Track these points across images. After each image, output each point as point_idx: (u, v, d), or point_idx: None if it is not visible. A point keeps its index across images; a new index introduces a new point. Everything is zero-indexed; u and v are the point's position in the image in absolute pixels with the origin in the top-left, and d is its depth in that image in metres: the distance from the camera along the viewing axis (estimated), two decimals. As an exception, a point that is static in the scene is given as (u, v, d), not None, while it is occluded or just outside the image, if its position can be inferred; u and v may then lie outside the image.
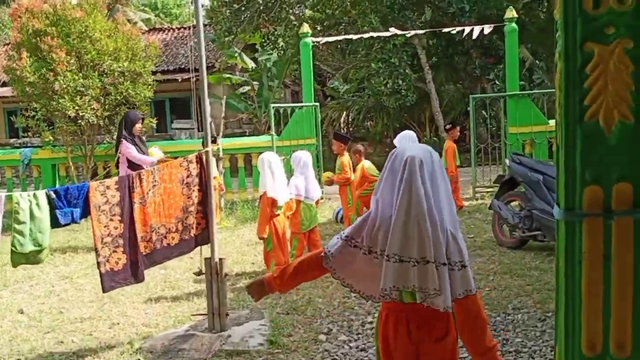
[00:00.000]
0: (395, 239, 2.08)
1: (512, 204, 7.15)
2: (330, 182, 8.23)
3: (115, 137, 11.11)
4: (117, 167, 7.92)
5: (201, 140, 8.44)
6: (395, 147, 6.86)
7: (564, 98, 1.38)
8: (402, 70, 14.84)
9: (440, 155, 8.95)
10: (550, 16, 16.26)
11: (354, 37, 12.70)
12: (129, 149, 7.57)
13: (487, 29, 11.18)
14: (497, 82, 13.45)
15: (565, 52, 1.38)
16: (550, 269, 5.67)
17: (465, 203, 9.79)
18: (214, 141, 7.91)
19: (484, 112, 11.70)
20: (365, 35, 12.73)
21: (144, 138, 8.21)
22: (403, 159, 2.13)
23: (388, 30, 12.44)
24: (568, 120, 1.39)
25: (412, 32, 12.42)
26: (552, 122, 10.47)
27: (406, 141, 7.10)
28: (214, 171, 7.83)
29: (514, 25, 10.66)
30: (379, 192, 2.19)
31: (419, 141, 17.04)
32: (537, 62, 14.53)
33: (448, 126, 10.00)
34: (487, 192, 10.30)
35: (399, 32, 12.21)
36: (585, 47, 1.34)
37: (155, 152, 8.02)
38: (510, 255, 6.40)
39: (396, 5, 14.27)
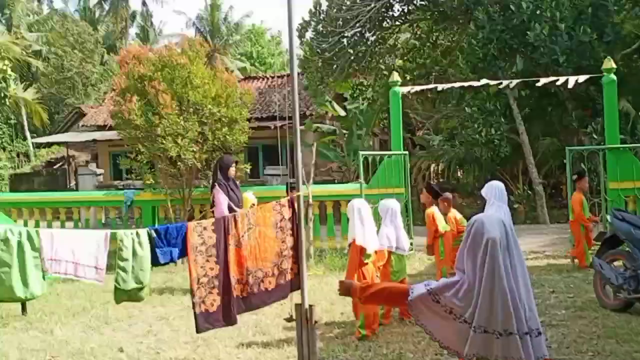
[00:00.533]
0: (481, 313, 2.36)
1: (615, 263, 6.71)
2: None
3: (210, 181, 11.60)
4: (211, 209, 8.15)
5: (285, 186, 8.60)
6: (483, 197, 6.66)
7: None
8: (496, 118, 14.54)
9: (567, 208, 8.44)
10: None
11: (445, 86, 12.65)
12: (218, 195, 7.73)
13: (582, 79, 10.80)
14: (595, 136, 12.87)
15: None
16: (662, 337, 5.25)
17: (564, 261, 9.29)
18: (293, 188, 8.00)
19: (582, 165, 11.19)
20: (457, 85, 12.65)
21: (237, 182, 8.44)
22: (484, 239, 2.39)
23: (479, 80, 12.32)
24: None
25: (505, 82, 12.22)
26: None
27: (495, 192, 6.75)
28: (251, 198, 7.96)
29: (612, 76, 10.22)
30: (462, 264, 2.47)
31: (511, 195, 16.55)
32: (639, 114, 13.83)
33: (574, 177, 9.24)
34: (588, 250, 9.75)
35: (491, 82, 12.06)
36: None
37: (250, 197, 8.19)
38: (615, 319, 5.98)
39: (488, 55, 14.13)
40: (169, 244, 4.50)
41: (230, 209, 7.48)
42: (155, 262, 4.45)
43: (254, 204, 7.72)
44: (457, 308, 2.43)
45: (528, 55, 14.31)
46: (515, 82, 12.04)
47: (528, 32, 13.21)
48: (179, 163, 10.76)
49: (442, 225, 7.23)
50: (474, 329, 2.37)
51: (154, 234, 4.45)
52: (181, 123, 10.57)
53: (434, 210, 7.39)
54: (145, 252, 4.39)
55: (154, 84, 10.51)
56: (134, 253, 4.35)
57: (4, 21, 35.99)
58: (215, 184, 7.87)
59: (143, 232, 4.43)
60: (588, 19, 13.60)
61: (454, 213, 7.26)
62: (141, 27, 43.60)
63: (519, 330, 2.33)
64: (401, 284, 6.25)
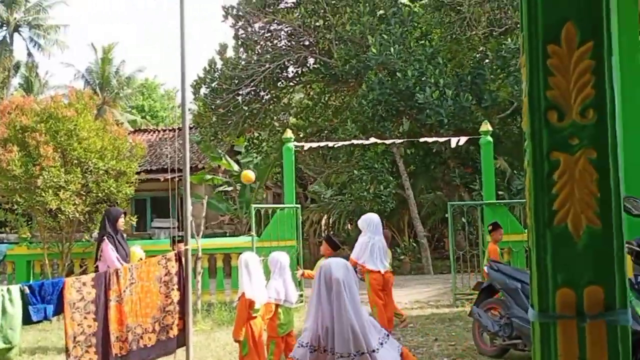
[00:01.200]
0: (338, 342, 2.84)
1: (492, 311, 7.11)
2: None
3: (93, 234, 11.09)
4: (95, 264, 7.79)
5: (168, 240, 8.44)
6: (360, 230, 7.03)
7: (534, 203, 1.46)
8: (383, 176, 15.21)
9: (449, 259, 8.96)
10: (522, 130, 17.04)
11: (336, 144, 13.12)
12: (108, 249, 7.43)
13: (463, 140, 11.63)
14: (481, 192, 13.79)
15: (533, 160, 1.48)
16: (532, 379, 5.57)
17: (446, 310, 9.70)
18: (179, 241, 7.91)
19: (463, 219, 11.88)
20: (347, 143, 13.16)
21: (124, 235, 8.16)
22: (332, 279, 2.91)
23: (367, 139, 12.90)
24: (538, 224, 1.46)
25: (392, 141, 12.88)
26: (528, 231, 10.62)
27: (371, 224, 7.22)
28: (139, 252, 7.79)
29: (489, 137, 11.10)
30: (320, 303, 2.94)
31: (397, 247, 17.17)
32: (514, 172, 15.02)
33: (490, 227, 9.26)
34: (467, 299, 10.25)
35: (378, 140, 12.66)
36: (551, 156, 1.44)
37: (137, 251, 7.94)
38: (491, 365, 6.28)
39: (376, 116, 14.88)
40: (44, 301, 4.25)
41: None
42: (27, 320, 4.18)
43: (141, 259, 7.46)
44: (326, 343, 2.90)
45: (414, 116, 15.21)
46: (401, 141, 12.73)
47: (417, 95, 14.09)
48: (59, 215, 10.24)
49: None
50: (337, 355, 2.84)
51: (27, 290, 4.20)
52: (63, 176, 10.13)
53: None
54: (16, 310, 4.12)
55: (35, 136, 10.08)
56: (4, 311, 4.07)
57: None
58: (104, 236, 7.55)
59: (15, 289, 4.17)
60: (468, 85, 14.79)
61: None
62: (25, 77, 41.63)
63: (368, 349, 2.85)
64: (288, 337, 6.27)
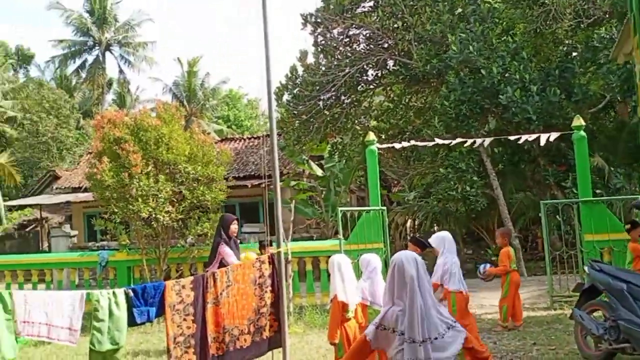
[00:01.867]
0: (408, 328, 3.16)
1: (595, 314, 6.74)
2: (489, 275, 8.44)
3: (187, 240, 11.49)
4: (206, 268, 8.04)
5: (257, 244, 8.58)
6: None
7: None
8: (469, 176, 14.82)
9: (544, 260, 8.73)
10: (619, 124, 16.11)
11: (421, 144, 12.92)
12: (226, 253, 7.68)
13: (554, 136, 11.12)
14: (575, 190, 13.08)
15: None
16: (645, 385, 5.23)
17: (543, 313, 9.31)
18: (263, 246, 8.03)
19: (557, 218, 11.35)
20: (431, 143, 12.92)
21: (237, 241, 8.41)
22: (406, 275, 3.24)
23: (452, 139, 12.61)
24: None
25: (479, 140, 12.52)
26: (631, 229, 10.01)
27: (445, 244, 7.05)
28: (253, 256, 7.85)
29: (582, 132, 10.55)
30: (393, 294, 3.29)
31: (488, 248, 16.66)
32: (611, 169, 14.20)
33: (627, 226, 8.56)
34: (565, 301, 9.78)
35: (464, 140, 12.34)
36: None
37: (252, 256, 8.07)
38: (597, 370, 5.95)
39: (460, 115, 14.53)
40: (146, 303, 4.41)
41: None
42: (131, 322, 4.35)
43: None
44: (395, 325, 3.24)
45: (499, 115, 14.74)
46: (488, 140, 12.34)
47: (500, 95, 13.66)
48: (153, 223, 10.69)
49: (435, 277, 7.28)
50: (407, 339, 3.17)
51: (131, 293, 4.38)
52: (152, 185, 10.56)
53: None
54: (121, 312, 4.30)
55: (125, 146, 10.59)
56: (111, 313, 4.25)
57: (-22, 90, 36.09)
58: (220, 242, 7.79)
59: (120, 292, 4.36)
60: (556, 80, 14.15)
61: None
62: (118, 93, 44.02)
63: (430, 338, 3.18)
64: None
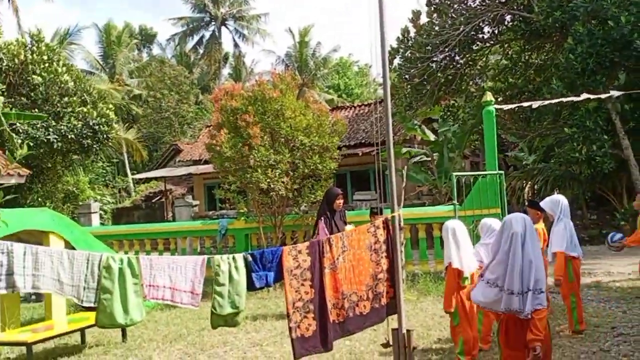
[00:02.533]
0: (508, 281, 3.72)
1: None
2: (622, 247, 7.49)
3: (301, 208, 11.69)
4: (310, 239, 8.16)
5: (369, 210, 8.49)
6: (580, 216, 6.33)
7: None
8: (597, 135, 13.76)
9: None
10: None
11: (542, 103, 12.10)
12: (321, 228, 7.76)
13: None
14: None
15: None
16: None
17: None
18: (374, 214, 7.90)
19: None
20: (555, 101, 12.08)
21: (345, 212, 8.42)
22: (512, 233, 3.76)
23: (578, 96, 11.71)
24: None
25: (607, 95, 11.53)
26: None
27: (561, 209, 6.50)
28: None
29: None
30: (498, 251, 3.85)
31: (616, 212, 15.49)
32: None
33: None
34: None
35: (591, 96, 11.42)
36: None
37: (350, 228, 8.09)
38: None
39: (587, 71, 13.44)
40: (265, 268, 4.49)
41: None
42: (250, 286, 4.44)
43: None
44: (494, 278, 3.83)
45: (631, 68, 13.49)
46: (618, 93, 11.35)
47: (636, 42, 12.46)
48: (270, 193, 10.93)
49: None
50: (507, 292, 3.72)
51: (250, 258, 4.46)
52: (272, 155, 10.76)
53: (542, 226, 7.19)
54: (241, 277, 4.39)
55: (245, 117, 10.80)
56: (231, 278, 4.36)
57: (107, 70, 38.69)
58: (321, 216, 7.90)
59: (239, 257, 4.45)
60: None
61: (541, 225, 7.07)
62: (233, 67, 45.44)
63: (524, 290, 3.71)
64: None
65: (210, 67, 43.09)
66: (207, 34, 43.57)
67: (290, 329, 4.19)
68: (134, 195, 33.13)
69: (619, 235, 7.63)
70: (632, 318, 6.79)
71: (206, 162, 20.55)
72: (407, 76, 16.68)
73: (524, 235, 3.73)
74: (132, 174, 33.77)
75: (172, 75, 36.10)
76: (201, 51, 43.94)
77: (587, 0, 12.97)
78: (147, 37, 47.85)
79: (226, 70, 46.16)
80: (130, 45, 41.60)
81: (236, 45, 44.90)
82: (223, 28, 43.90)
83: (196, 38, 43.90)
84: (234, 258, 4.42)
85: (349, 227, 8.01)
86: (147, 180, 31.45)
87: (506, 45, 18.00)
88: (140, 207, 28.59)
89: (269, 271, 4.46)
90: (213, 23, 43.33)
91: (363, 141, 20.09)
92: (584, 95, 11.35)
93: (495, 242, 3.89)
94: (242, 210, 11.85)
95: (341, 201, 8.11)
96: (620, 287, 8.66)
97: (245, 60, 45.86)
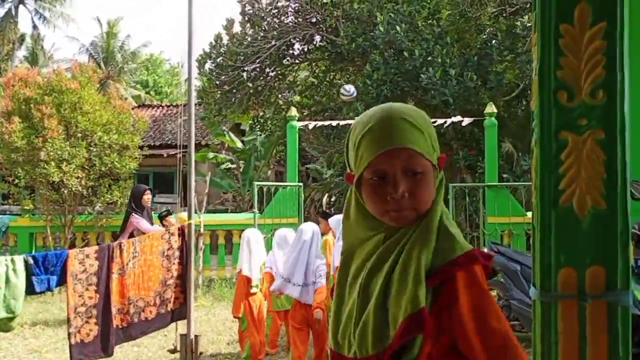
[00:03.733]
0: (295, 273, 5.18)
1: (491, 292, 7.15)
2: None
3: (95, 208, 11.14)
4: (114, 239, 7.97)
5: (157, 214, 8.53)
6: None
7: (540, 182, 1.46)
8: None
9: None
10: (528, 114, 16.93)
11: (340, 122, 13.06)
12: (139, 221, 7.63)
13: (466, 121, 11.57)
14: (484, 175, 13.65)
15: (541, 139, 1.47)
16: (529, 361, 5.62)
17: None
18: (166, 215, 8.02)
19: (465, 200, 11.90)
20: (351, 121, 13.08)
21: (150, 211, 8.27)
22: (301, 234, 5.31)
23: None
24: (543, 204, 1.46)
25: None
26: (529, 214, 10.65)
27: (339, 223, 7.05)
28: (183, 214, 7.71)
29: (493, 120, 11.07)
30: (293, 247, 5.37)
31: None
32: (519, 155, 14.93)
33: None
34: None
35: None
36: (559, 135, 1.44)
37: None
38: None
39: (381, 96, 14.78)
40: (47, 272, 4.28)
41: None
42: (30, 290, 4.21)
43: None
44: (287, 274, 5.35)
45: (419, 97, 15.12)
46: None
47: (421, 75, 13.99)
48: (62, 189, 10.26)
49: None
50: (293, 284, 5.16)
51: (31, 261, 4.22)
52: (67, 148, 10.14)
53: (332, 237, 7.53)
54: (19, 280, 4.15)
55: (40, 108, 10.06)
56: (7, 280, 4.10)
57: None
58: (132, 213, 7.70)
59: (18, 259, 4.20)
60: (474, 66, 14.64)
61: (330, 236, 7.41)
62: (30, 50, 41.43)
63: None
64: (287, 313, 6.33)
65: (2, 47, 38.78)
66: (2, 11, 39.20)
67: (69, 334, 4.06)
68: None
69: None
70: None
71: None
72: (217, 82, 16.78)
73: (310, 242, 5.22)
74: None
75: (-47, 49, 31.88)
76: (-8, 28, 39.38)
77: (384, 32, 14.28)
78: None
79: (21, 53, 41.95)
80: None
81: (35, 27, 41.02)
82: (21, 6, 39.86)
83: (-12, 13, 39.27)
84: (12, 260, 4.16)
85: (155, 227, 7.91)
86: None
87: (314, 64, 19.01)
88: None
89: (52, 275, 4.27)
90: (10, 0, 39.15)
91: (169, 142, 19.69)
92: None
93: (292, 246, 5.35)
94: (27, 207, 10.93)
95: (149, 197, 8.07)
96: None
97: (45, 44, 42.12)
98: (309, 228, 5.53)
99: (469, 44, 15.75)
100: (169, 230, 4.67)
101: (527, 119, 16.99)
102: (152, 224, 8.01)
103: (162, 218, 8.19)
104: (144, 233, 7.40)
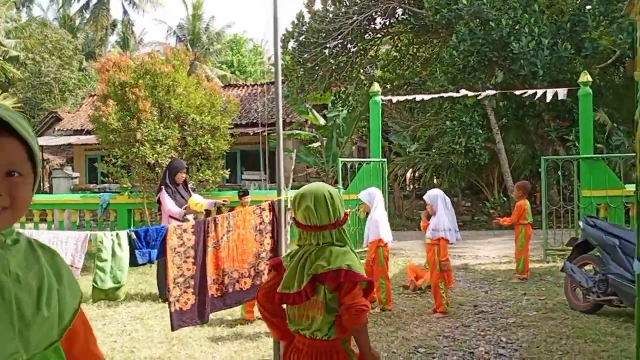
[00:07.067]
0: None
1: (586, 267, 6.90)
2: None
3: (189, 185, 11.60)
4: (159, 212, 8.05)
5: (259, 191, 8.54)
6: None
7: (644, 153, 1.41)
8: (473, 129, 14.83)
9: (541, 214, 8.83)
10: (627, 81, 15.91)
11: (425, 97, 12.84)
12: (163, 198, 7.58)
13: (561, 93, 11.05)
14: (577, 145, 13.00)
15: (646, 108, 1.42)
16: (628, 336, 5.41)
17: (536, 265, 9.50)
18: (242, 195, 7.75)
19: (557, 173, 11.43)
20: (436, 96, 12.86)
21: (190, 186, 8.29)
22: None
23: (458, 92, 12.55)
24: (648, 174, 1.41)
25: (484, 94, 12.45)
26: (629, 187, 10.11)
27: (438, 201, 6.82)
28: (198, 199, 7.69)
29: (588, 89, 10.51)
30: None
31: (487, 201, 16.80)
32: (615, 125, 14.14)
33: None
34: (559, 255, 9.97)
35: (470, 93, 12.29)
36: (665, 103, 1.38)
37: (197, 199, 7.76)
38: (584, 320, 6.13)
39: (468, 67, 14.39)
40: (149, 246, 4.54)
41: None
42: (134, 263, 4.49)
43: (199, 204, 7.46)
44: None
45: (507, 67, 14.60)
46: (494, 93, 12.27)
47: (512, 45, 13.49)
48: (156, 168, 10.78)
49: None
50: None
51: (134, 236, 4.49)
52: (161, 130, 10.60)
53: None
54: (124, 254, 4.43)
55: (135, 91, 10.53)
56: (114, 254, 4.39)
57: (-19, 27, 35.59)
58: (162, 187, 7.67)
59: (123, 234, 4.47)
60: (567, 34, 13.93)
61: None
62: (122, 35, 43.39)
63: None
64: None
65: (96, 34, 40.85)
66: (95, -1, 41.23)
67: (169, 303, 4.30)
68: (8, 164, 30.95)
69: None
70: (492, 298, 7.49)
71: (89, 133, 19.66)
72: (300, 60, 16.92)
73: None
74: (5, 141, 31.46)
75: (54, 39, 33.89)
76: (87, 16, 41.49)
77: (469, 4, 13.83)
78: (26, -4, 44.41)
79: (114, 38, 44.01)
80: (8, 4, 38.45)
81: (125, 12, 42.91)
82: (113, -7, 41.76)
83: (82, 2, 41.40)
84: (117, 235, 4.43)
85: (196, 197, 7.78)
86: (22, 148, 29.46)
87: (396, 38, 18.75)
88: (13, 176, 26.71)
89: (153, 249, 4.52)
90: (102, -14, 41.02)
91: (255, 121, 20.12)
92: (463, 92, 12.19)
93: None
94: (125, 186, 11.57)
95: (184, 176, 7.87)
96: (486, 270, 9.46)
97: (135, 29, 43.97)
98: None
99: (560, 11, 14.97)
100: (260, 205, 4.82)
101: (626, 87, 16.03)
102: (185, 197, 7.73)
103: (240, 197, 8.15)
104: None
